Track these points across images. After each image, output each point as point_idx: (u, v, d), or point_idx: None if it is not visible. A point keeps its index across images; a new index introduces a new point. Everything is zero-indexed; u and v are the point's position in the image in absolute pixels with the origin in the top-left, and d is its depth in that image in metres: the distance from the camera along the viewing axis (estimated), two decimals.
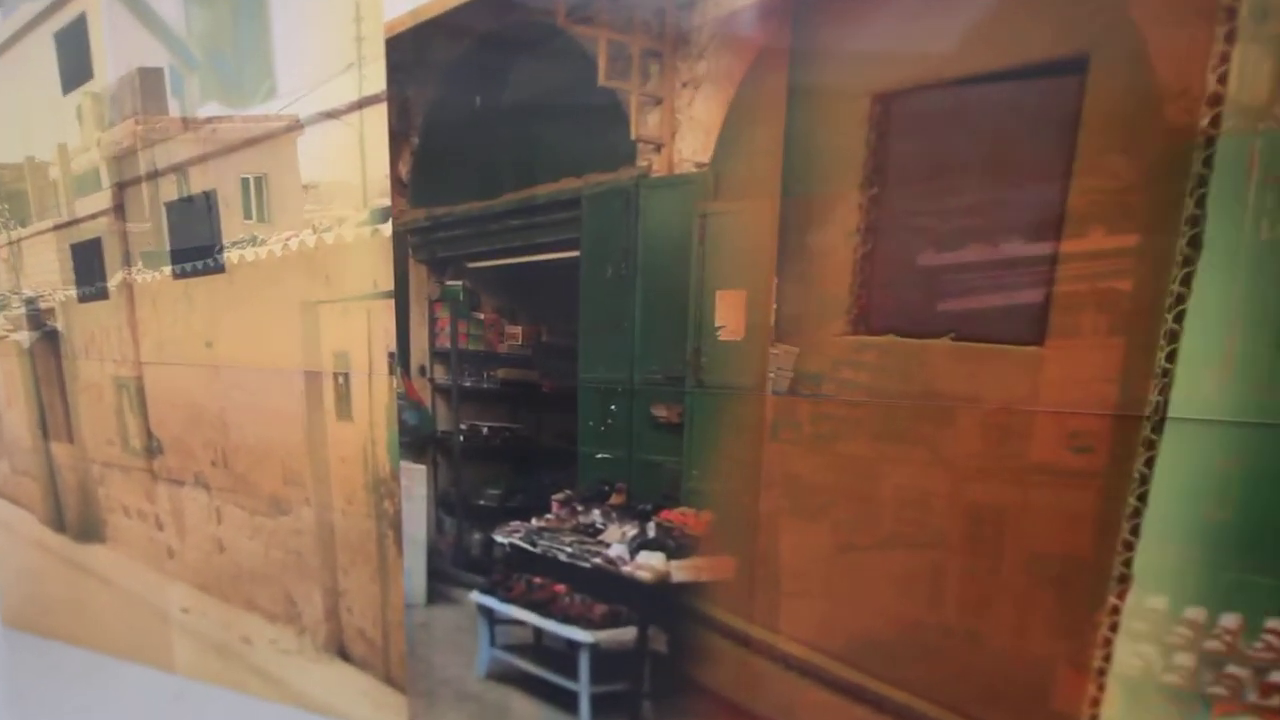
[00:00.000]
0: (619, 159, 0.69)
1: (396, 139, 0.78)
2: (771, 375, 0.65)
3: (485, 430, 0.76)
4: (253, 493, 0.85)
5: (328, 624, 0.85)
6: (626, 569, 0.76)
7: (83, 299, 0.91)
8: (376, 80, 0.77)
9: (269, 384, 0.85)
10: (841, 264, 0.59)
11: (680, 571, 0.72)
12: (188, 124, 0.82)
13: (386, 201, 0.78)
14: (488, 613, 0.74)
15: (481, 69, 0.68)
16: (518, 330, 0.74)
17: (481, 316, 0.75)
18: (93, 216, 0.84)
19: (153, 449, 0.87)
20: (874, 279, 0.54)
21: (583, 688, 0.69)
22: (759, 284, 0.62)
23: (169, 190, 0.82)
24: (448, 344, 0.77)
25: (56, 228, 0.87)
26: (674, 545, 0.72)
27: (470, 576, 0.75)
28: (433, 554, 0.82)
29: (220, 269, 0.83)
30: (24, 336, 0.92)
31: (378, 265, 0.80)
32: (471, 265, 0.74)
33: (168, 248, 0.84)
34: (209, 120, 0.82)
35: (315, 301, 0.82)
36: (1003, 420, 0.48)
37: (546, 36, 0.69)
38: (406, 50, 0.71)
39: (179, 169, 0.80)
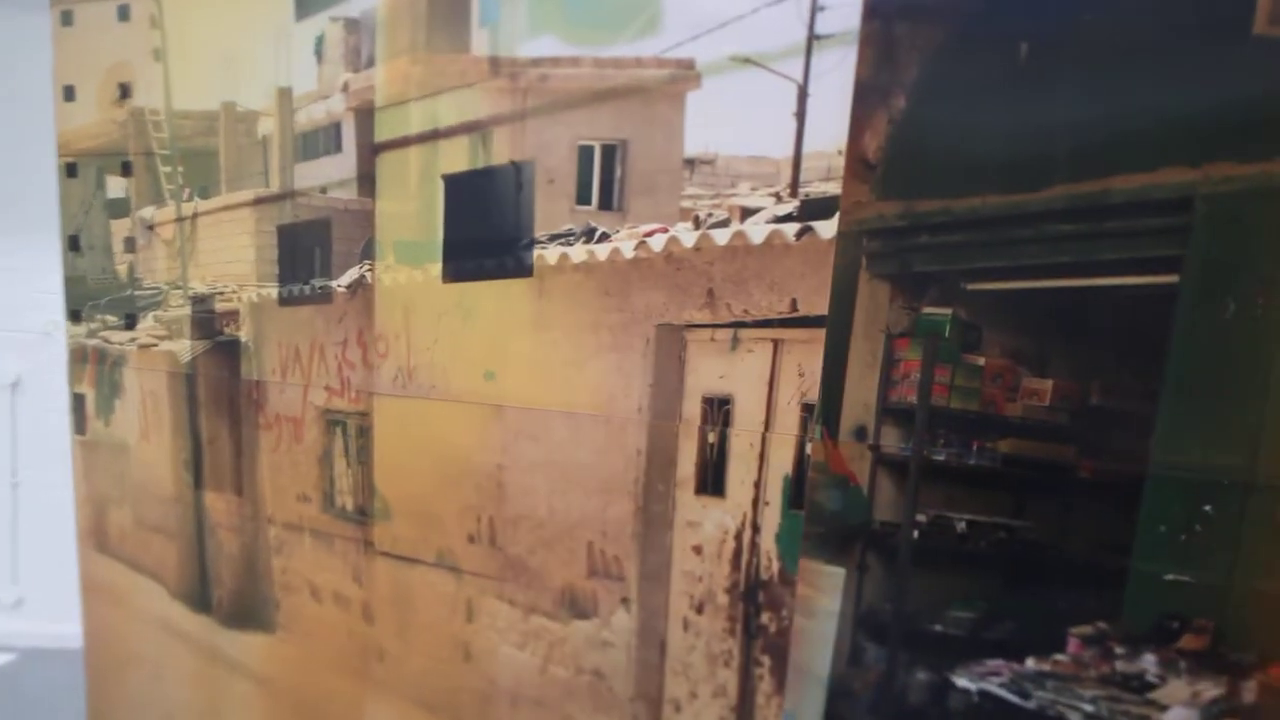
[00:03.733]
0: (1257, 148, 0.51)
1: (866, 100, 0.60)
2: None
3: (961, 525, 0.59)
4: (534, 583, 0.68)
5: None
6: None
7: (287, 300, 0.76)
8: (841, 12, 0.72)
9: (584, 435, 0.68)
10: None
11: None
12: (499, 66, 0.67)
13: (833, 189, 0.75)
14: None
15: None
16: (1045, 385, 0.57)
17: (981, 362, 0.57)
18: (322, 189, 0.69)
19: (373, 513, 0.70)
20: None
21: None
22: None
23: (454, 157, 0.68)
24: (911, 397, 0.59)
25: (259, 201, 0.73)
26: (1273, 708, 0.50)
27: None
28: (837, 695, 0.63)
29: (525, 271, 0.68)
30: (184, 347, 0.77)
31: (803, 279, 0.63)
32: (972, 287, 0.56)
33: (439, 237, 0.70)
34: (537, 63, 0.66)
35: (682, 325, 0.64)
36: None
37: None
38: None
39: (476, 129, 0.65)
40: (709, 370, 0.80)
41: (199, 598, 1.06)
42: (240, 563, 1.01)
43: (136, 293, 1.01)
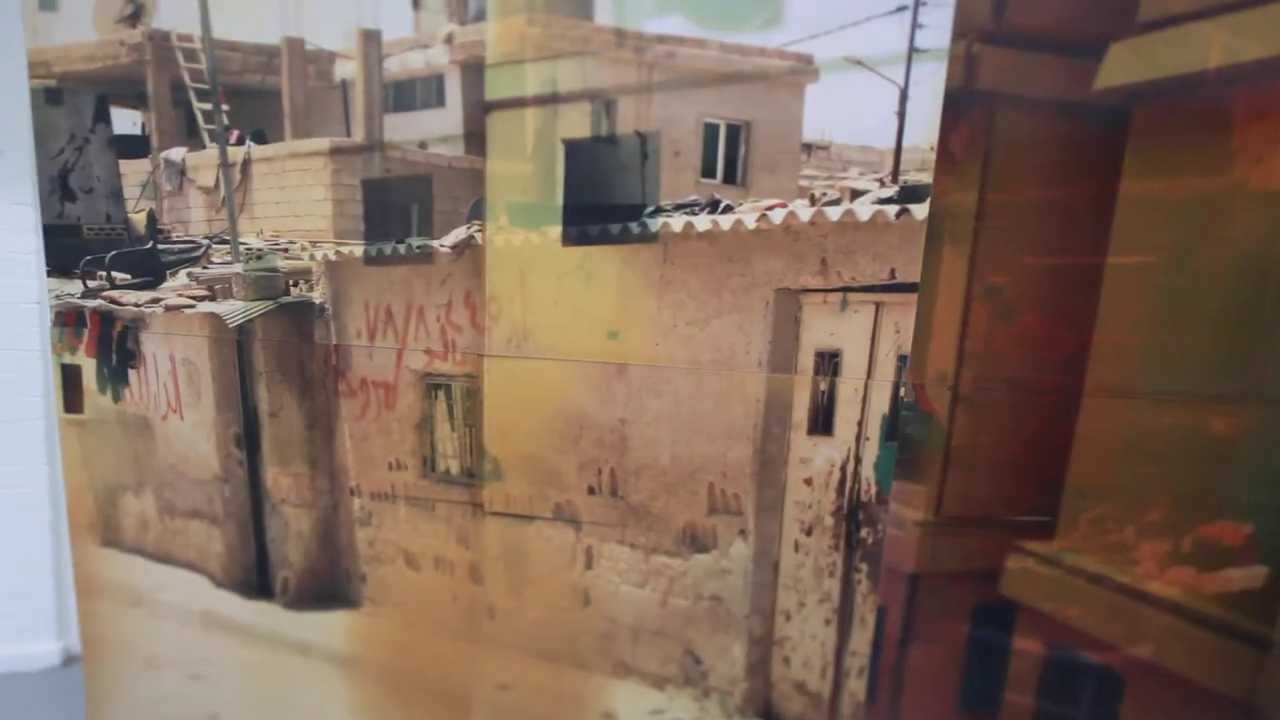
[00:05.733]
0: (1214, 166, 0.95)
1: (953, 107, 0.97)
2: None
3: (1014, 445, 0.95)
4: (656, 527, 0.96)
5: (748, 681, 0.99)
6: (1153, 585, 1.03)
7: (376, 260, 0.92)
8: (937, 32, 0.96)
9: (706, 388, 0.97)
10: None
11: (1211, 584, 1.01)
12: (624, 38, 0.92)
13: (925, 178, 0.98)
14: (981, 645, 0.93)
15: (1071, 44, 0.87)
16: (1069, 337, 0.95)
17: (1028, 319, 0.94)
18: (421, 144, 0.87)
19: (483, 474, 0.93)
20: None
21: (1082, 713, 0.94)
22: None
23: (575, 123, 0.90)
24: (980, 348, 0.96)
25: (338, 152, 0.88)
26: (1208, 558, 1.00)
27: (967, 608, 0.95)
28: (919, 587, 1.00)
29: (650, 237, 0.94)
30: (234, 308, 0.90)
31: (900, 251, 0.99)
32: (1025, 261, 0.93)
33: (558, 201, 0.91)
34: (663, 39, 0.93)
35: (800, 290, 0.97)
36: None
37: (1156, 24, 0.94)
38: (982, 4, 0.88)
39: (599, 97, 0.89)
40: (821, 328, 1.01)
41: (256, 583, 1.04)
42: (313, 540, 1.03)
43: (162, 246, 0.93)
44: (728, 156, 1.04)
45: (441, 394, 1.02)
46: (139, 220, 1.06)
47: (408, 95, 1.02)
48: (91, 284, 1.02)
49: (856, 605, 1.08)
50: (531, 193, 1.03)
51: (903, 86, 1.06)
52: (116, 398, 1.10)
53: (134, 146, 1.06)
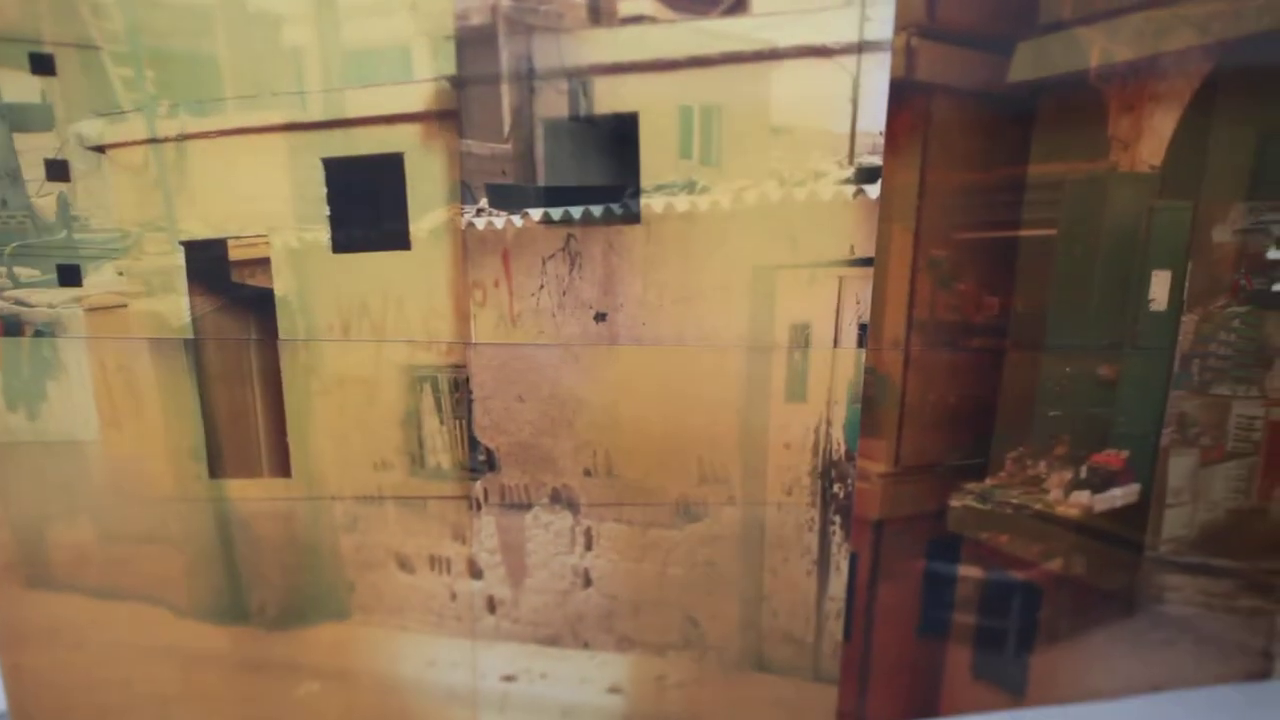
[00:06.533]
0: (1096, 151, 1.20)
1: (898, 93, 1.17)
2: (1181, 337, 1.23)
3: (953, 399, 1.15)
4: (651, 501, 1.09)
5: (742, 637, 1.15)
6: (1060, 509, 1.31)
7: (343, 246, 0.95)
8: (882, 25, 1.15)
9: (691, 365, 1.11)
10: (1226, 255, 1.19)
11: (1101, 503, 1.30)
12: (600, 16, 1.02)
13: (877, 160, 1.17)
14: (933, 577, 1.15)
15: (989, 42, 1.09)
16: (995, 301, 1.16)
17: (962, 288, 1.15)
18: (387, 120, 0.92)
19: (476, 466, 1.01)
20: (1249, 266, 1.12)
21: (1011, 623, 1.19)
22: (1179, 266, 1.18)
23: (552, 102, 0.98)
24: (925, 315, 1.16)
25: (295, 128, 0.91)
26: (1098, 482, 1.28)
27: (921, 546, 1.16)
28: (883, 532, 1.20)
29: (633, 218, 1.05)
30: (178, 305, 0.92)
31: (858, 229, 1.18)
32: (958, 236, 1.13)
33: (540, 182, 0.99)
34: (638, 20, 1.04)
35: (773, 266, 1.14)
36: None
37: (1052, 27, 1.17)
38: (918, 2, 1.07)
39: (577, 76, 0.99)
40: (793, 302, 1.08)
41: (229, 607, 0.94)
42: (293, 553, 0.95)
43: (78, 236, 0.79)
44: (703, 139, 1.10)
45: (427, 386, 0.98)
46: (45, 206, 0.88)
47: (370, 66, 0.94)
48: None
49: (832, 555, 1.21)
50: (511, 172, 1.01)
51: (855, 74, 1.17)
52: (31, 415, 0.92)
53: (33, 117, 0.88)
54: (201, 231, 0.89)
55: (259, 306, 0.92)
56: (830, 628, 1.08)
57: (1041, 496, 1.22)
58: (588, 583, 1.03)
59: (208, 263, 0.90)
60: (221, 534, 0.98)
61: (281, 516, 0.98)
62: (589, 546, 1.02)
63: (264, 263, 0.90)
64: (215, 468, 0.95)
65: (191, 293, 0.90)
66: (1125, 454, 1.24)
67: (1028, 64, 1.10)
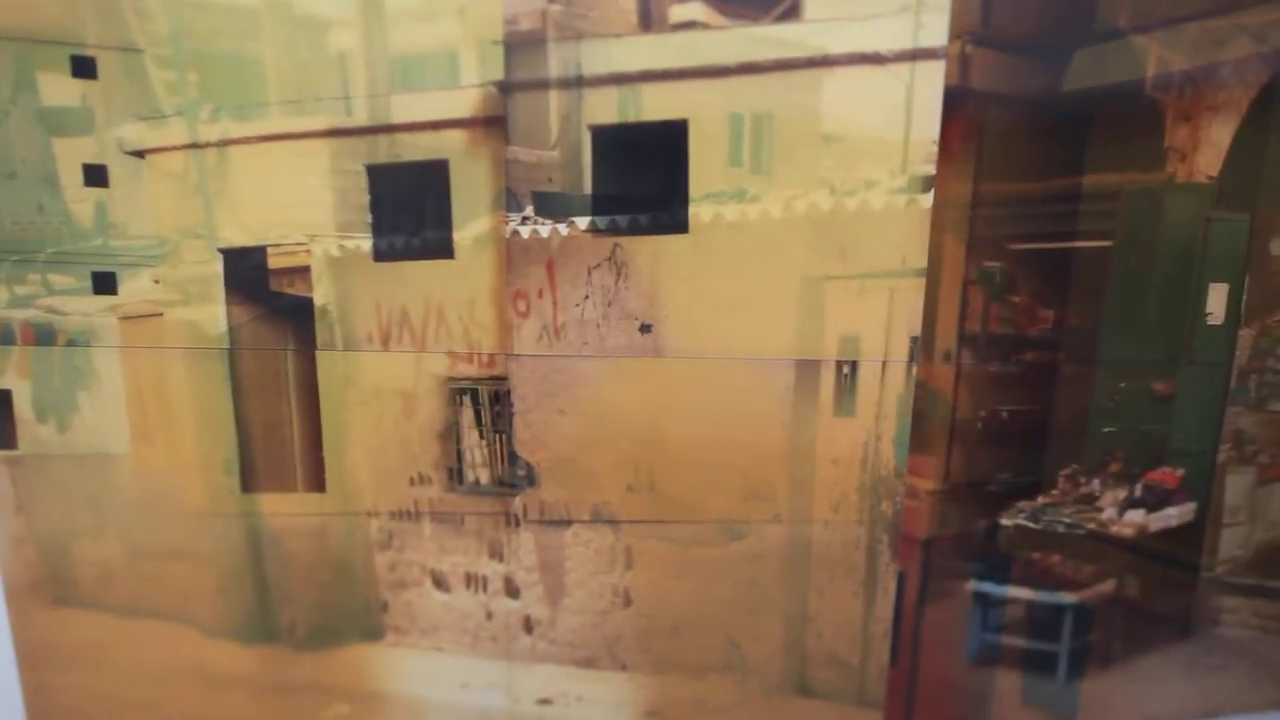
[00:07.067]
0: (1152, 162, 1.16)
1: (952, 102, 1.13)
2: (1238, 352, 1.20)
3: (1005, 415, 1.12)
4: (694, 518, 1.05)
5: (785, 659, 1.11)
6: (1114, 528, 1.26)
7: (386, 254, 0.93)
8: (936, 32, 1.12)
9: (738, 378, 1.08)
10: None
11: (1156, 522, 1.26)
12: (650, 22, 0.99)
13: (930, 169, 1.14)
14: (983, 599, 1.11)
15: (1045, 50, 1.06)
16: (1049, 314, 1.13)
17: (1015, 300, 1.11)
18: (433, 126, 0.90)
19: (515, 482, 0.98)
20: None
21: (1063, 647, 1.15)
22: (1236, 279, 1.15)
23: (601, 108, 0.96)
24: (978, 328, 1.12)
25: (337, 133, 0.88)
26: (1153, 500, 1.23)
27: (971, 567, 1.13)
28: (932, 551, 1.16)
29: (681, 228, 1.02)
30: (215, 314, 0.89)
31: (910, 239, 1.15)
32: (1012, 247, 1.10)
33: (588, 190, 0.97)
34: (689, 25, 1.02)
35: (823, 277, 1.10)
36: None
37: (1108, 35, 1.14)
38: (973, 9, 1.04)
39: (625, 81, 0.96)
40: (842, 313, 1.06)
41: (259, 627, 0.92)
42: (326, 571, 0.93)
43: (114, 243, 0.78)
44: (754, 147, 1.08)
45: (467, 399, 0.95)
46: (83, 212, 0.86)
47: (416, 72, 0.93)
48: (21, 290, 0.81)
49: (879, 574, 1.17)
50: (557, 180, 0.99)
51: (909, 82, 1.15)
52: (62, 428, 0.90)
53: (73, 121, 0.86)
54: (241, 239, 0.88)
55: (297, 316, 0.90)
56: (877, 650, 1.06)
57: (1095, 515, 1.19)
58: (628, 602, 1.00)
59: (246, 271, 0.88)
60: (253, 550, 0.96)
61: (315, 532, 0.96)
62: (629, 565, 1.00)
63: (304, 271, 0.88)
64: (248, 482, 0.93)
65: (229, 302, 0.88)
66: (1181, 472, 1.21)
67: (1083, 72, 1.08)
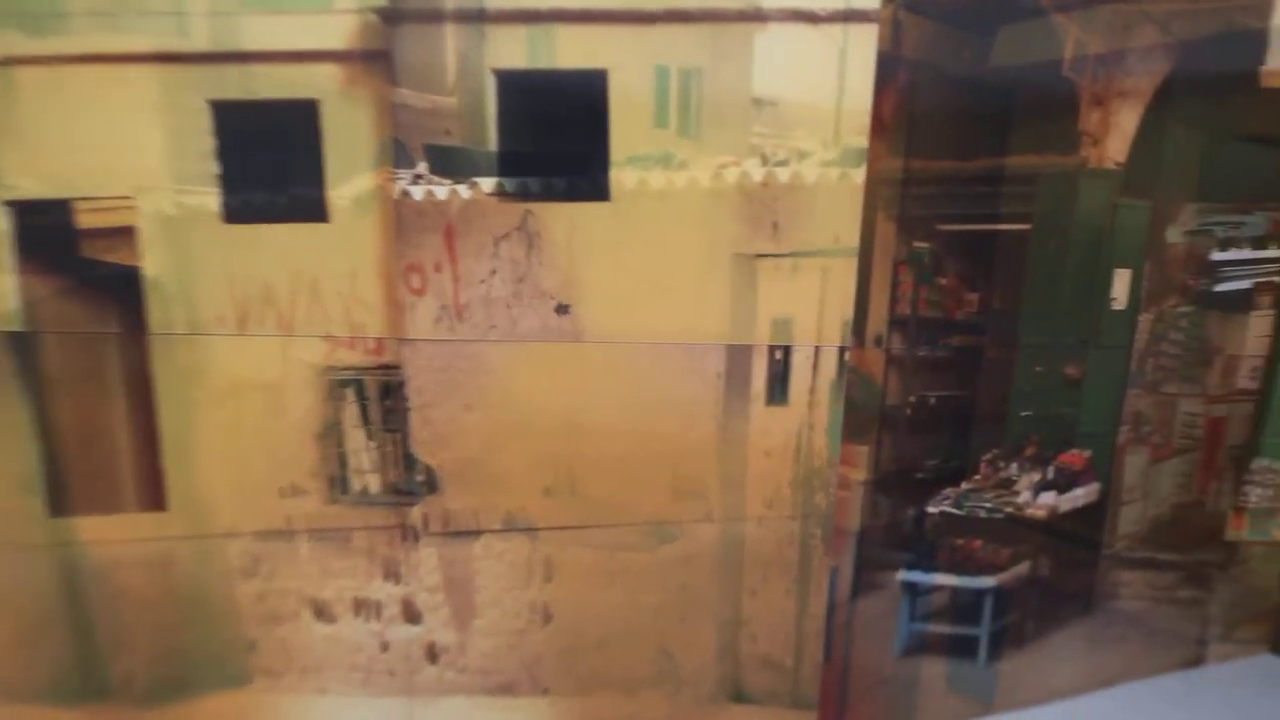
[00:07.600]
0: (1069, 145, 1.20)
1: (884, 69, 1.14)
2: (1137, 336, 1.26)
3: (933, 400, 1.14)
4: (620, 521, 1.02)
5: (718, 666, 1.10)
6: (1029, 511, 1.31)
7: (239, 215, 0.85)
8: None
9: (665, 364, 1.05)
10: (1178, 255, 1.23)
11: (1066, 503, 1.32)
12: None
13: (863, 141, 1.14)
14: (911, 588, 1.12)
15: (972, 21, 1.08)
16: (974, 297, 1.15)
17: (943, 282, 1.13)
18: (296, 57, 0.83)
19: (413, 489, 0.93)
20: (1195, 267, 1.17)
21: (983, 630, 1.20)
22: (1138, 265, 1.21)
23: (507, 50, 0.90)
24: (907, 310, 1.14)
25: (170, 59, 0.79)
26: (1064, 482, 1.29)
27: (898, 556, 1.15)
28: (863, 542, 1.18)
29: (602, 194, 0.98)
30: (8, 286, 0.81)
31: (843, 216, 1.14)
32: (940, 228, 1.12)
33: (493, 147, 0.91)
34: None
35: (755, 254, 1.09)
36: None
37: (1032, 13, 1.17)
38: None
39: (536, 20, 0.91)
40: (774, 294, 1.00)
41: (80, 684, 0.72)
42: (172, 609, 0.75)
43: None
44: (681, 106, 0.99)
45: (351, 392, 0.79)
46: None
47: None
48: None
49: (812, 570, 1.14)
50: (457, 133, 0.85)
51: (842, 46, 1.10)
52: None
53: None
54: (36, 189, 0.70)
55: (120, 291, 0.72)
56: (811, 649, 1.03)
57: (1012, 499, 1.21)
58: (548, 619, 0.91)
59: (45, 231, 0.70)
60: (67, 588, 0.77)
61: (155, 562, 0.79)
62: (549, 577, 0.90)
63: (127, 233, 0.70)
64: (58, 503, 0.75)
65: (22, 270, 0.69)
66: (1088, 454, 1.25)
67: (1008, 48, 1.08)
